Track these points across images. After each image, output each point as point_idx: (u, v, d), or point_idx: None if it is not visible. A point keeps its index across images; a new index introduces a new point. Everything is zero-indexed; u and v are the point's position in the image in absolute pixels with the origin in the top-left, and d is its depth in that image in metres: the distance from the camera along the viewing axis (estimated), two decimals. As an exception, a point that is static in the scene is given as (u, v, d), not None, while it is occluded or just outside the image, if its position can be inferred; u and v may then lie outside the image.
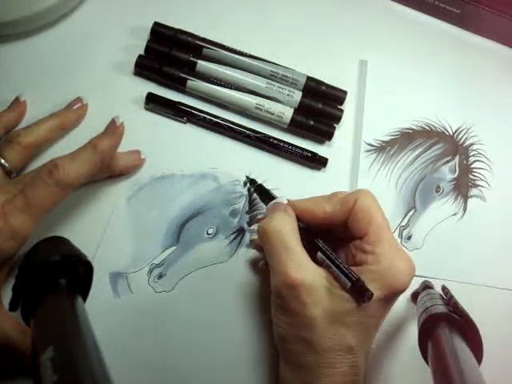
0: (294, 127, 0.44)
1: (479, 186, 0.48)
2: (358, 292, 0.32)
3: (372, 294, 0.31)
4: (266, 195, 0.39)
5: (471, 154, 0.48)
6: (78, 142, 0.36)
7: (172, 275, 0.41)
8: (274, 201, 0.37)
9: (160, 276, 0.41)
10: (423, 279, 0.44)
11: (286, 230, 0.34)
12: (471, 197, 0.47)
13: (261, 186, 0.40)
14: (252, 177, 0.43)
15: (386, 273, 0.33)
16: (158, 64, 0.42)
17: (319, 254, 0.34)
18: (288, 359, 0.35)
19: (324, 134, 0.45)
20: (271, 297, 0.35)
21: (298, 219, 0.36)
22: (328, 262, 0.33)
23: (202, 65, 0.43)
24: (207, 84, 0.43)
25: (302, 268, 0.33)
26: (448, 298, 0.40)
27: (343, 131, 0.46)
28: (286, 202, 0.37)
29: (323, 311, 0.32)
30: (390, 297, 0.33)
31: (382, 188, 0.45)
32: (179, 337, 0.40)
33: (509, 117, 0.50)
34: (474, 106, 0.49)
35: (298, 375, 0.34)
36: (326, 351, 0.32)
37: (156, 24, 0.43)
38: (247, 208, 0.43)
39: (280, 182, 0.43)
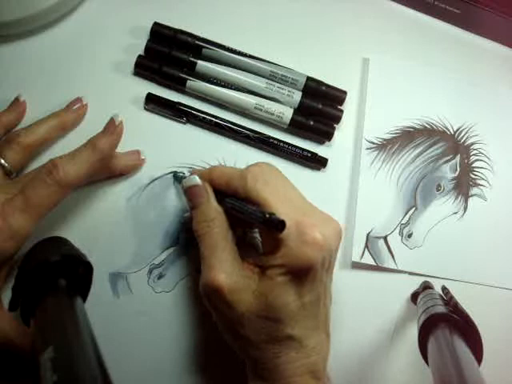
0: (294, 127, 0.44)
1: (480, 185, 0.47)
2: (271, 226, 0.30)
3: (283, 222, 0.30)
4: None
5: (472, 153, 0.48)
6: (77, 142, 0.36)
7: (172, 276, 0.41)
8: (189, 183, 0.36)
9: (160, 276, 0.41)
10: (423, 279, 0.44)
11: (218, 229, 0.35)
12: (472, 196, 0.47)
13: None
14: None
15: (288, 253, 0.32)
16: (157, 64, 0.42)
17: (232, 212, 0.34)
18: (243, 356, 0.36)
19: (324, 134, 0.45)
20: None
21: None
22: (239, 214, 0.33)
23: (202, 65, 0.43)
24: (207, 84, 0.43)
25: (222, 270, 0.33)
26: (448, 298, 0.40)
27: (343, 131, 0.46)
28: (199, 181, 0.36)
29: (247, 307, 0.33)
30: (296, 274, 0.33)
31: (383, 186, 0.45)
32: (179, 337, 0.40)
33: (509, 116, 0.50)
34: (475, 106, 0.49)
35: (253, 371, 0.35)
36: (266, 343, 0.33)
37: (156, 24, 0.43)
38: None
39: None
